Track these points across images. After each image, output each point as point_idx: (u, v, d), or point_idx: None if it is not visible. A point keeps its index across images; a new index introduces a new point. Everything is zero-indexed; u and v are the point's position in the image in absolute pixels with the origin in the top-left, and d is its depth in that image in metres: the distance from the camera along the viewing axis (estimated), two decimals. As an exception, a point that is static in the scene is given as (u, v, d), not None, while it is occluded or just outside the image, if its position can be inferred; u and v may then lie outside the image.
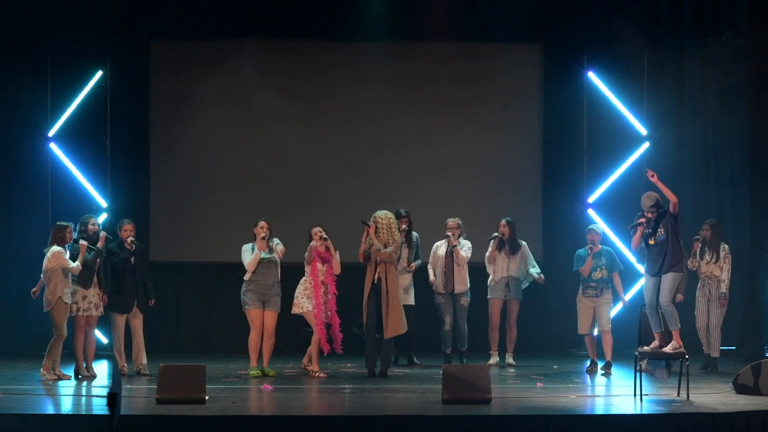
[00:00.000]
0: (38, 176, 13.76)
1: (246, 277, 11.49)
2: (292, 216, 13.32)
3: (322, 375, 11.38)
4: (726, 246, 12.18)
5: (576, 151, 14.13)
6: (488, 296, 12.61)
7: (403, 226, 12.23)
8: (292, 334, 13.22)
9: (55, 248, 10.99)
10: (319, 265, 11.43)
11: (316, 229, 11.42)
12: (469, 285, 12.42)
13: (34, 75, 13.65)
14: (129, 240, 11.46)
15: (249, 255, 11.46)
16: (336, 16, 13.91)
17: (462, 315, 12.41)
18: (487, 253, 12.52)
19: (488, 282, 12.61)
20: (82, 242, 11.10)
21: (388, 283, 11.27)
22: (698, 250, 12.17)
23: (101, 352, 12.33)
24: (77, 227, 11.33)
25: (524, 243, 12.56)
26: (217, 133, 14.08)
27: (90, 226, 11.42)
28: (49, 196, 13.64)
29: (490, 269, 12.56)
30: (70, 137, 13.85)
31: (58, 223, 11.22)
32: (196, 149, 14.07)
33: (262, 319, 11.47)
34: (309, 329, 11.71)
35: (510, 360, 12.52)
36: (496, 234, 12.47)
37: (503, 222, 12.50)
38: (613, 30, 13.55)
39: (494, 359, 12.54)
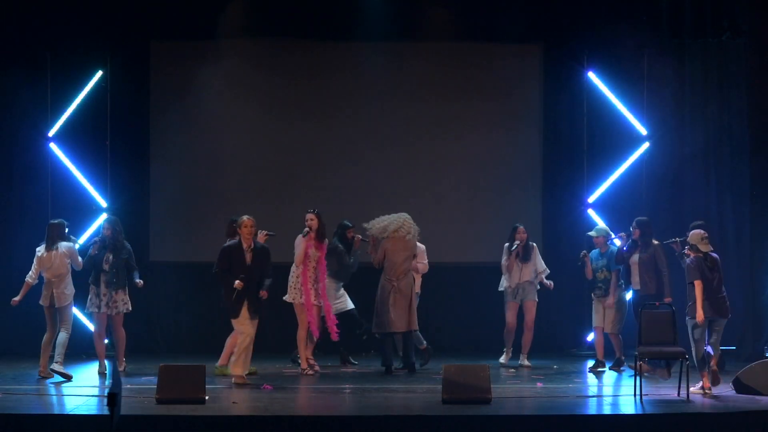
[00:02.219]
0: (38, 176, 13.75)
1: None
2: (293, 215, 13.30)
3: (303, 370, 11.44)
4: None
5: (576, 151, 14.11)
6: (505, 300, 12.41)
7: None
8: (289, 333, 13.21)
9: (73, 245, 11.30)
10: (311, 251, 11.42)
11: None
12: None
13: (34, 75, 13.62)
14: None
15: None
16: (336, 16, 13.91)
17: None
18: (505, 262, 12.32)
19: (502, 287, 12.43)
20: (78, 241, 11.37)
21: None
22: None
23: (93, 351, 12.29)
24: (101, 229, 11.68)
25: (534, 245, 12.43)
26: (217, 133, 14.06)
27: (104, 231, 11.63)
28: (49, 196, 13.63)
29: (505, 276, 12.40)
30: (70, 137, 13.84)
31: (61, 220, 11.37)
32: (195, 149, 14.07)
33: None
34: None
35: (525, 362, 12.37)
36: (517, 242, 12.25)
37: (521, 228, 12.32)
38: (613, 30, 13.54)
39: (505, 357, 12.43)
